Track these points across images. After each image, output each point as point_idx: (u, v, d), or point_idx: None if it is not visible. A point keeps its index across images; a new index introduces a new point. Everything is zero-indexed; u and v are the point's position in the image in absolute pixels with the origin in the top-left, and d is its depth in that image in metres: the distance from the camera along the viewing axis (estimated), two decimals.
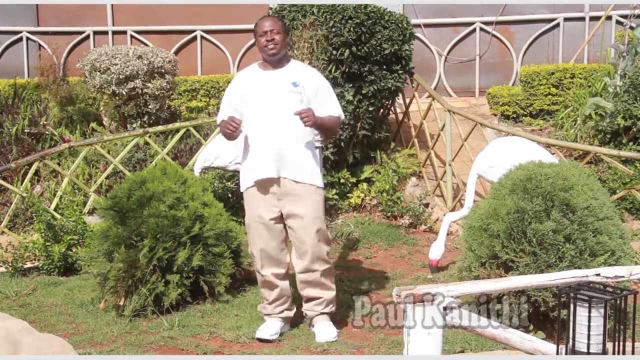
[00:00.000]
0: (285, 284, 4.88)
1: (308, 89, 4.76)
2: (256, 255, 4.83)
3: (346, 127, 7.18)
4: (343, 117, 4.96)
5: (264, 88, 4.77)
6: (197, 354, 4.56)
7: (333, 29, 7.19)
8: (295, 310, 4.98)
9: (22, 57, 10.58)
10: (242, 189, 4.89)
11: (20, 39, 10.58)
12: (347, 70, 7.24)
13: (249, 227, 4.85)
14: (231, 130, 4.65)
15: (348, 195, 7.45)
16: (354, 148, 7.45)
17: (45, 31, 10.53)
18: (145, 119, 8.66)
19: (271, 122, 4.70)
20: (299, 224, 4.73)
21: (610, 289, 3.15)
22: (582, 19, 9.86)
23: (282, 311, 4.88)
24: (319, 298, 4.86)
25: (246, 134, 4.78)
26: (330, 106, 4.83)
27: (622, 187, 6.80)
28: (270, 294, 4.87)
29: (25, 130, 8.58)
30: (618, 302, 3.05)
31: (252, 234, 4.83)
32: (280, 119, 4.69)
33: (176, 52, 10.01)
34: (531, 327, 4.51)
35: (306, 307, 4.92)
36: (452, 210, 6.98)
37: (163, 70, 8.67)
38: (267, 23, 4.81)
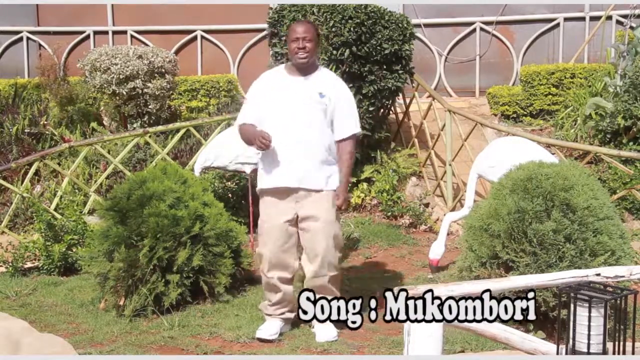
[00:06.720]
0: (289, 288, 4.85)
1: (333, 100, 4.75)
2: (264, 257, 4.80)
3: None
4: (360, 131, 4.93)
5: (289, 95, 4.73)
6: (198, 354, 4.55)
7: (333, 29, 7.19)
8: (296, 312, 4.97)
9: (23, 57, 10.59)
10: (258, 189, 4.87)
11: (21, 39, 10.59)
12: (347, 70, 7.24)
13: (262, 228, 4.83)
14: (262, 147, 4.61)
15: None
16: None
17: (45, 31, 10.53)
18: (145, 119, 8.66)
19: (293, 131, 4.66)
20: (315, 226, 4.71)
21: (611, 289, 3.15)
22: (582, 19, 9.87)
23: (283, 313, 4.88)
24: None
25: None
26: (348, 122, 4.80)
27: (622, 187, 6.80)
28: (273, 297, 4.85)
29: (26, 130, 8.59)
30: (618, 302, 3.05)
31: (264, 235, 4.81)
32: (303, 128, 4.67)
33: (176, 52, 10.01)
34: (531, 327, 4.51)
35: None
36: (453, 210, 6.98)
37: (163, 70, 8.67)
38: (300, 29, 4.72)
